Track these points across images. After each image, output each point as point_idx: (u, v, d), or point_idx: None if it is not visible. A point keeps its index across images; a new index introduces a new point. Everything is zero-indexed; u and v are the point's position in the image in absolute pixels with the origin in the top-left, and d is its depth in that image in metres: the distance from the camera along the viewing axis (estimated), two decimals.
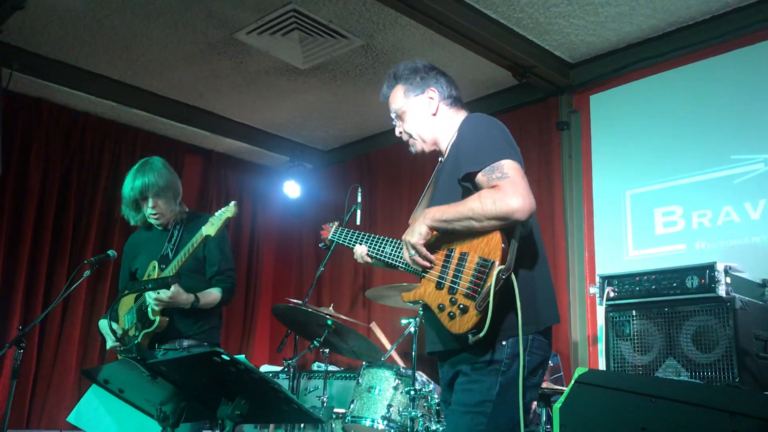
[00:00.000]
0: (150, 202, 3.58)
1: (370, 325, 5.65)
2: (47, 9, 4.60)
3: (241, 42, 4.94)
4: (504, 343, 2.16)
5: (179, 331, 3.50)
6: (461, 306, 2.10)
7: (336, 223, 2.77)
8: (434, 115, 2.48)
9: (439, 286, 2.20)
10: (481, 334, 2.05)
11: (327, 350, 4.60)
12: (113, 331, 3.49)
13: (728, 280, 3.34)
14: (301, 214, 7.04)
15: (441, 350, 2.31)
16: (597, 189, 4.90)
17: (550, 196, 5.04)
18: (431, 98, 2.48)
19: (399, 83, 2.53)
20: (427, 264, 2.24)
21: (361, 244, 2.57)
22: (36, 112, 5.65)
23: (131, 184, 3.59)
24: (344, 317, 4.85)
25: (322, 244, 2.82)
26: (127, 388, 2.57)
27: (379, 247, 2.48)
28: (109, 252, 3.83)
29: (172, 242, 3.60)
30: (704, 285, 3.37)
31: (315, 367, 5.42)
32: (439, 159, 2.55)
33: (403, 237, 2.28)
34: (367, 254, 2.54)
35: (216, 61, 5.27)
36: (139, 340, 3.42)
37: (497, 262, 2.08)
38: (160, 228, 3.69)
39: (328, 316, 4.20)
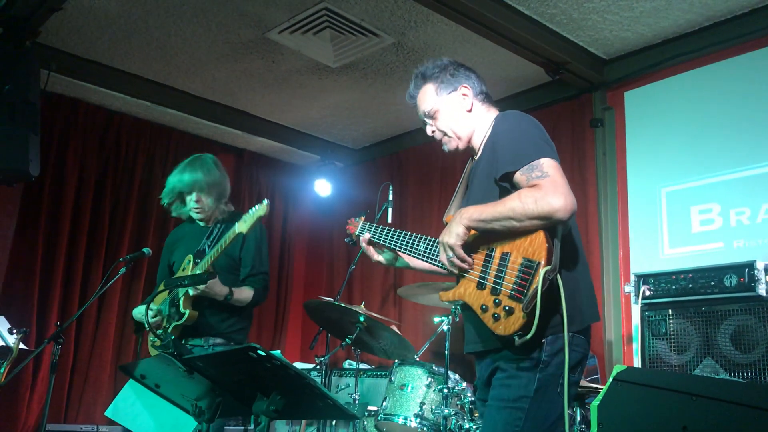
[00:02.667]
0: (194, 196, 3.64)
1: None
2: (83, 11, 4.68)
3: (273, 41, 4.97)
4: (544, 340, 2.12)
5: (209, 327, 3.53)
6: (507, 308, 2.06)
7: (362, 218, 2.73)
8: (469, 111, 2.45)
9: (480, 286, 2.16)
10: (528, 336, 2.02)
11: (359, 350, 4.60)
12: (147, 316, 3.53)
13: None
14: (332, 213, 7.05)
15: (482, 350, 2.28)
16: (632, 187, 4.83)
17: (584, 195, 4.98)
18: (465, 95, 2.45)
19: (429, 82, 2.49)
20: (465, 266, 2.20)
21: (387, 239, 2.53)
22: (72, 113, 5.76)
23: (179, 176, 3.66)
24: (376, 315, 4.85)
25: (348, 239, 2.78)
26: (163, 383, 2.59)
27: (412, 244, 2.44)
28: (144, 249, 3.88)
29: (211, 239, 3.65)
30: (743, 284, 3.31)
31: (346, 364, 5.43)
32: (471, 157, 2.52)
33: (440, 238, 2.23)
34: (370, 240, 2.54)
35: (248, 61, 5.30)
36: (169, 331, 3.46)
37: (543, 263, 2.04)
38: (201, 224, 3.75)
39: (360, 313, 4.21)
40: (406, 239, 2.48)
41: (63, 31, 4.95)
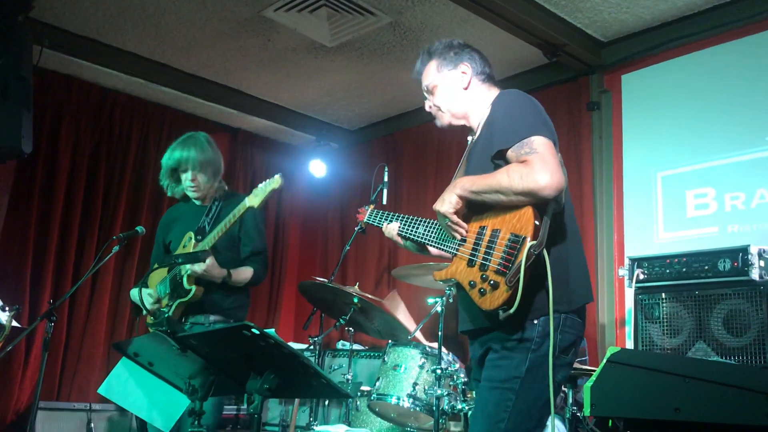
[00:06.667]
0: (189, 175, 3.61)
1: (390, 293, 5.59)
2: None
3: (269, 19, 4.93)
4: (535, 321, 2.14)
5: (213, 305, 3.51)
6: (492, 282, 2.09)
7: (372, 206, 2.79)
8: (466, 89, 2.47)
9: (470, 263, 2.18)
10: (512, 310, 2.03)
11: (352, 329, 4.60)
12: (143, 301, 3.53)
13: (762, 263, 3.29)
14: (327, 194, 7.05)
15: (472, 329, 2.29)
16: (627, 170, 4.83)
17: (579, 178, 4.97)
18: (464, 72, 2.48)
19: (433, 58, 2.54)
20: (461, 231, 2.23)
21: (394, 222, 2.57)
22: (66, 89, 5.70)
23: (171, 154, 3.63)
24: (370, 296, 4.85)
25: (359, 227, 2.84)
26: (157, 361, 2.59)
27: (413, 227, 2.49)
28: (138, 228, 3.87)
29: (210, 216, 3.62)
30: (737, 268, 3.32)
31: (340, 345, 5.44)
32: (469, 138, 2.53)
33: (434, 206, 2.27)
34: (398, 233, 2.55)
35: (243, 39, 5.26)
36: (172, 310, 3.44)
37: (529, 238, 2.06)
38: (198, 202, 3.72)
39: (354, 294, 4.20)
40: (406, 222, 2.53)
41: (56, 7, 4.89)
